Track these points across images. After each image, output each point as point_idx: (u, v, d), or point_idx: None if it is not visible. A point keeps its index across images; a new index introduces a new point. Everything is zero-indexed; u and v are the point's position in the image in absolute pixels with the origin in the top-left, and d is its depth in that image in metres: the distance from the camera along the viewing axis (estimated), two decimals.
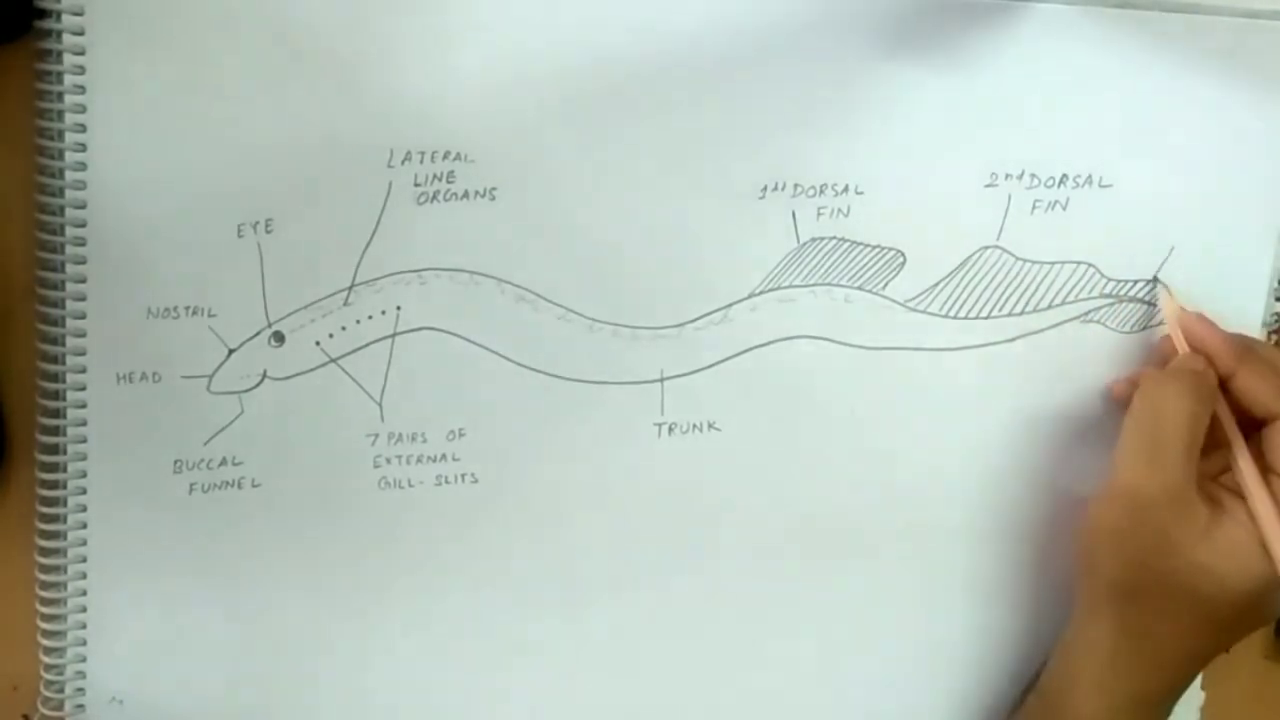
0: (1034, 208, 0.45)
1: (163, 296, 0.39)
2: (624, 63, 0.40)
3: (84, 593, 0.40)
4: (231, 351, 0.40)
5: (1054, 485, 0.47)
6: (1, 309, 0.39)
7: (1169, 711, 0.45)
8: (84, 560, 0.40)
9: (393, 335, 0.41)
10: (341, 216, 0.40)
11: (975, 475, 0.47)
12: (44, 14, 0.36)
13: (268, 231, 0.39)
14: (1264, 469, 0.43)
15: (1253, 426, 0.44)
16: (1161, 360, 0.46)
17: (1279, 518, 0.41)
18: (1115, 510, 0.43)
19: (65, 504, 0.39)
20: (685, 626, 0.46)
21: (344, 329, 0.41)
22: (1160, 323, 0.47)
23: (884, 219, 0.44)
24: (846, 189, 0.43)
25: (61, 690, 0.41)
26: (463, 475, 0.43)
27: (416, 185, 0.40)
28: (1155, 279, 0.46)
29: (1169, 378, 0.44)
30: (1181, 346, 0.45)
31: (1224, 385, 0.44)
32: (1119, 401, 0.46)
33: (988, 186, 0.44)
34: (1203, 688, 0.49)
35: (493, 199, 0.41)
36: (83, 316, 0.38)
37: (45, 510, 0.39)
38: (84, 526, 0.40)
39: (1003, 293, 0.46)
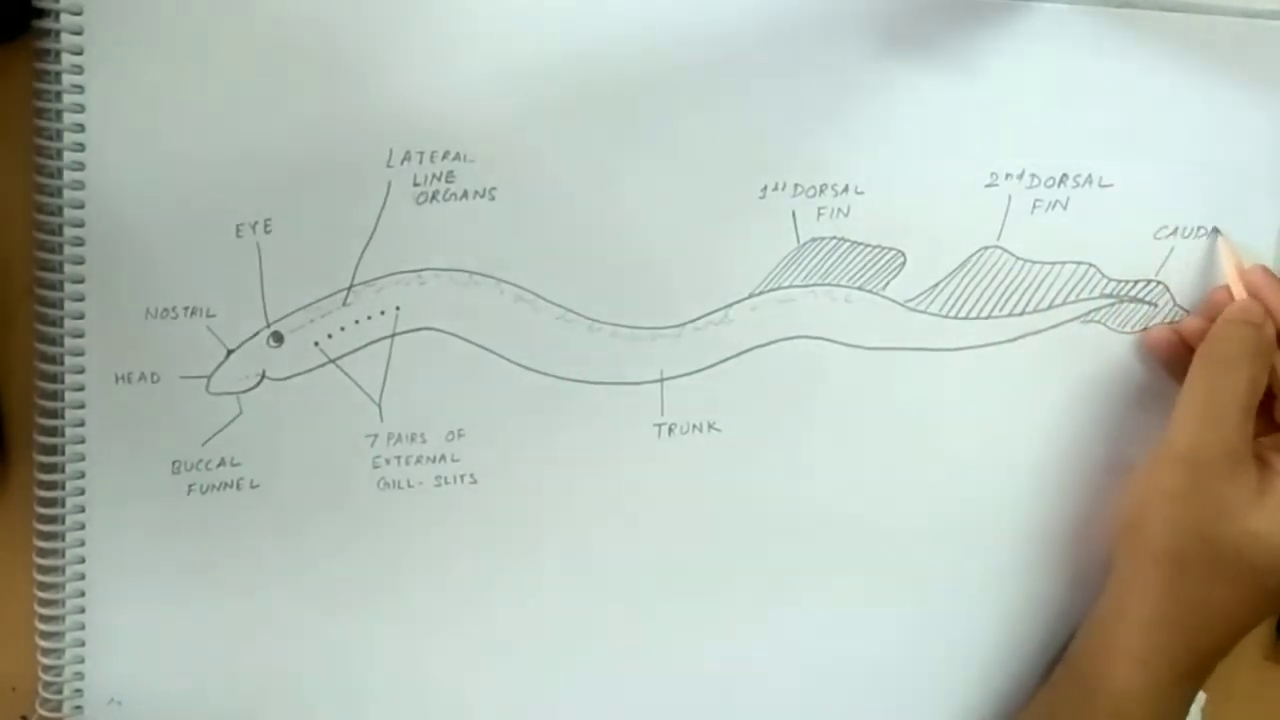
0: (1034, 207, 0.45)
1: (161, 297, 0.39)
2: (624, 63, 0.40)
3: (82, 593, 0.40)
4: (230, 352, 0.40)
5: (1053, 485, 0.48)
6: (0, 309, 0.39)
7: (1202, 683, 0.44)
8: (82, 561, 0.40)
9: (392, 335, 0.41)
10: (341, 216, 0.40)
11: (975, 475, 0.47)
12: (42, 14, 0.36)
13: (267, 231, 0.39)
14: None
15: None
16: (1213, 309, 0.45)
17: None
18: (1172, 472, 0.43)
19: (64, 504, 0.39)
20: (686, 625, 0.46)
21: (343, 329, 0.40)
22: (1161, 322, 0.47)
23: (884, 219, 0.44)
24: (846, 189, 0.43)
25: (60, 691, 0.41)
26: (462, 475, 0.42)
27: (416, 185, 0.40)
28: (1215, 230, 0.46)
29: (1227, 341, 0.43)
30: (1240, 297, 0.45)
31: None
32: (1153, 349, 0.46)
33: (988, 186, 0.44)
34: (1203, 688, 0.49)
35: (492, 199, 0.41)
36: (81, 317, 0.38)
37: (43, 511, 0.39)
38: (82, 527, 0.40)
39: (1003, 293, 0.46)
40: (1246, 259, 0.46)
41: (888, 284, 0.45)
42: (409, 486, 0.42)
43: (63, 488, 0.39)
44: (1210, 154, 0.46)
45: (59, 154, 0.37)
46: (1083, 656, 0.45)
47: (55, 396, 0.38)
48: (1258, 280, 0.45)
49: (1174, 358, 0.46)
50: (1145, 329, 0.47)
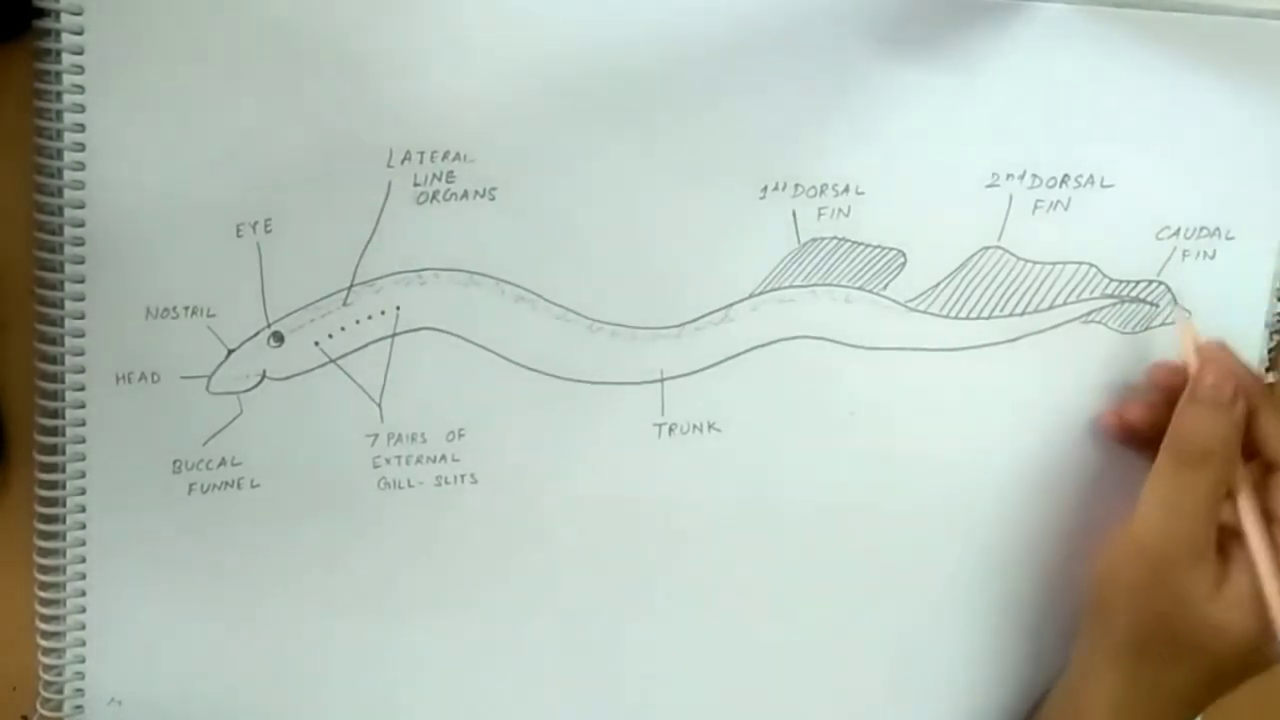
0: (1035, 208, 0.45)
1: (162, 296, 0.39)
2: (624, 63, 0.40)
3: (83, 593, 0.40)
4: (231, 352, 0.40)
5: (1055, 486, 0.47)
6: (0, 309, 0.39)
7: None
8: (83, 561, 0.40)
9: (392, 335, 0.41)
10: (341, 216, 0.40)
11: (975, 476, 0.47)
12: (43, 13, 0.36)
13: (267, 231, 0.39)
14: (1270, 516, 0.42)
15: (1259, 466, 0.44)
16: (1167, 389, 0.44)
17: (1277, 569, 0.41)
18: (1136, 565, 0.43)
19: (64, 504, 0.39)
20: (684, 626, 0.46)
21: (343, 329, 0.40)
22: (1162, 324, 0.47)
23: (885, 219, 0.44)
24: (847, 189, 0.43)
25: (60, 691, 0.41)
26: (462, 475, 0.42)
27: (416, 185, 0.40)
28: (1175, 303, 0.46)
29: (1197, 432, 0.42)
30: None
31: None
32: (1108, 434, 0.46)
33: (989, 186, 0.44)
34: None
35: (493, 199, 0.41)
36: (81, 317, 0.38)
37: (44, 511, 0.39)
38: (83, 527, 0.40)
39: (1004, 293, 0.45)
40: (1246, 265, 0.46)
41: (888, 284, 0.45)
42: (409, 486, 0.42)
43: (63, 488, 0.39)
44: (1212, 154, 0.46)
45: (59, 154, 0.37)
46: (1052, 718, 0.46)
47: (56, 397, 0.38)
48: (1221, 361, 0.43)
49: (1127, 439, 0.46)
50: (1146, 329, 0.47)
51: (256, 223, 0.39)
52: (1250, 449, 0.43)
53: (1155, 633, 0.43)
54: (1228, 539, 0.43)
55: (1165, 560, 0.42)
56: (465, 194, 0.40)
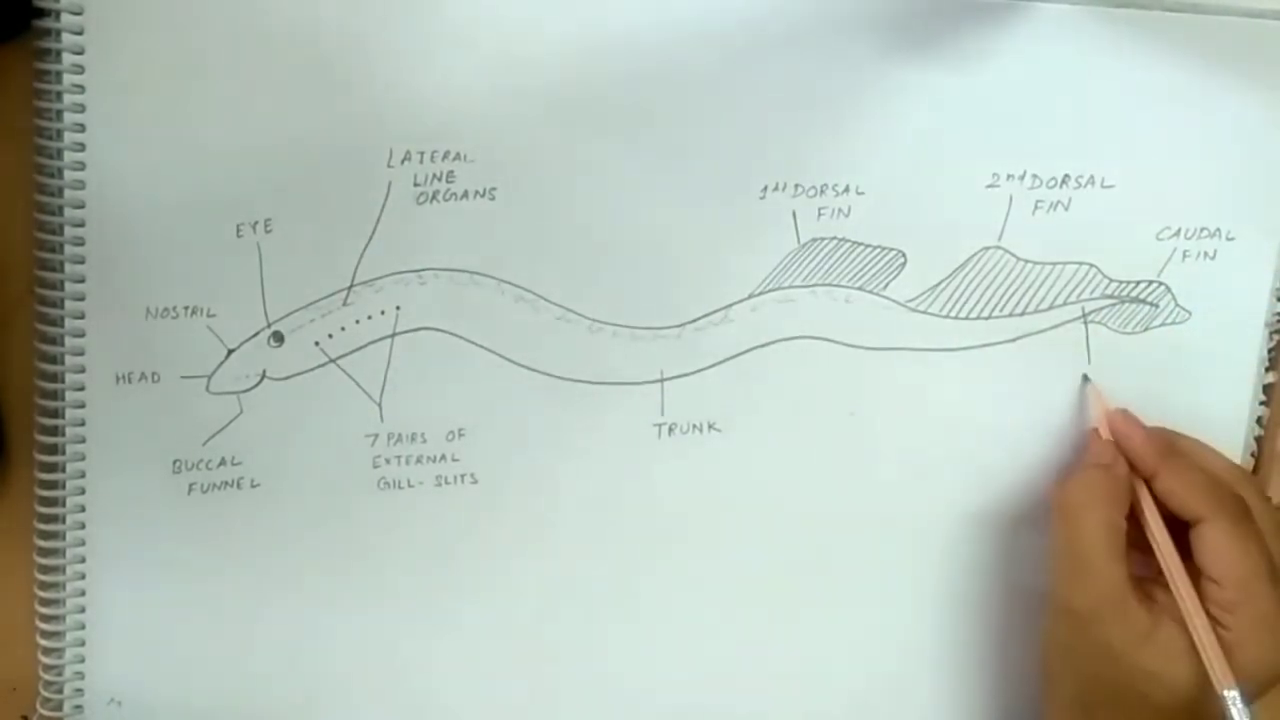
0: (1035, 208, 0.45)
1: (162, 296, 0.39)
2: (624, 62, 0.40)
3: (82, 593, 0.40)
4: (231, 351, 0.40)
5: (1055, 487, 0.47)
6: (0, 309, 0.39)
7: None
8: (83, 561, 0.40)
9: (392, 335, 0.41)
10: (341, 216, 0.40)
11: (975, 476, 0.47)
12: (43, 13, 0.36)
13: (267, 231, 0.39)
14: (1194, 572, 0.42)
15: (1185, 525, 0.43)
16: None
17: (1209, 625, 0.41)
18: (1059, 624, 0.43)
19: (64, 504, 0.39)
20: (683, 627, 0.46)
21: (343, 329, 0.40)
22: (1161, 324, 0.47)
23: (885, 219, 0.44)
24: (847, 189, 0.43)
25: (60, 691, 0.41)
26: (462, 475, 0.42)
27: (416, 185, 0.40)
28: (1084, 376, 0.46)
29: (1076, 489, 0.43)
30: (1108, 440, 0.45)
31: (1149, 485, 0.44)
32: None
33: (989, 187, 0.44)
34: None
35: (493, 199, 0.41)
36: (81, 316, 0.38)
37: (44, 511, 0.39)
38: (83, 527, 0.40)
39: (1004, 293, 0.45)
40: (1246, 265, 0.46)
41: (888, 284, 0.45)
42: (409, 486, 0.42)
43: (63, 488, 0.39)
44: (1212, 154, 0.46)
45: (59, 154, 0.37)
46: None
47: (56, 397, 0.38)
48: (1118, 427, 0.45)
49: None
50: (1146, 330, 0.47)
51: (256, 223, 0.39)
52: (1171, 515, 0.44)
53: (1096, 689, 0.43)
54: (1159, 593, 0.43)
55: (1082, 618, 0.42)
56: (465, 194, 0.40)
